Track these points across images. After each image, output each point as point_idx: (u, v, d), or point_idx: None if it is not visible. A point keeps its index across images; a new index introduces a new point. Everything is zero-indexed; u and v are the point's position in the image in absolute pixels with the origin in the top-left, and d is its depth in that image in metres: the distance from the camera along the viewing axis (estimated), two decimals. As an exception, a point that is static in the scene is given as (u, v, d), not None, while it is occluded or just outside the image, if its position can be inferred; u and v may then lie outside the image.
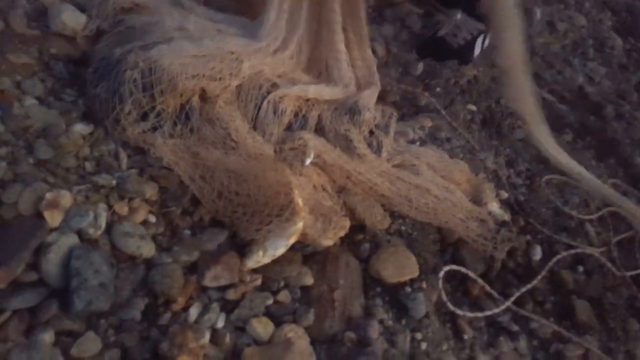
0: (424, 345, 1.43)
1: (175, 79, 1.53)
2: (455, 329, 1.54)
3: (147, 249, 1.37)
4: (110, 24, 1.83)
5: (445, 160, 2.09)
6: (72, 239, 1.26)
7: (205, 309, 1.33)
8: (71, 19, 1.79)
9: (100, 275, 1.20)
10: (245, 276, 1.45)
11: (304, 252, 1.57)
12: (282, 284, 1.48)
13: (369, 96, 1.96)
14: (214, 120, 1.64)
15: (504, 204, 1.96)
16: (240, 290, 1.41)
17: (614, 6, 4.10)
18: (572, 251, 1.83)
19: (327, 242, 1.57)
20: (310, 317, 1.39)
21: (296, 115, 1.84)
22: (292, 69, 1.86)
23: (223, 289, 1.38)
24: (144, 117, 1.57)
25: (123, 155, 1.53)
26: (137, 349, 1.18)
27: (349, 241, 1.63)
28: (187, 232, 1.50)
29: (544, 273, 1.73)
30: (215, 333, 1.28)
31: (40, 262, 1.19)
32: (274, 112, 1.74)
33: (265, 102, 1.73)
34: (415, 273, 1.61)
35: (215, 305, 1.34)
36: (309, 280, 1.51)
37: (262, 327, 1.32)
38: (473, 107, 2.71)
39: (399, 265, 1.64)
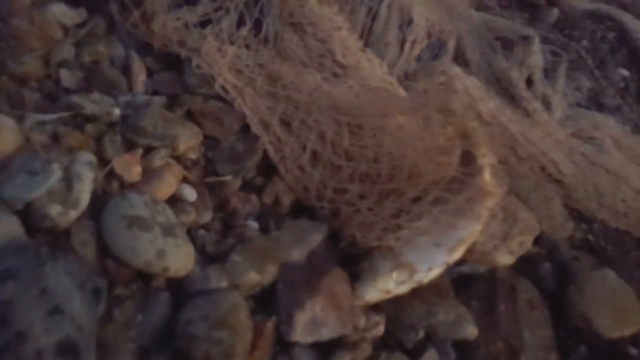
0: None
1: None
2: None
3: (179, 258, 0.79)
4: None
5: (629, 137, 1.56)
6: (5, 226, 0.70)
7: None
8: None
9: (63, 320, 0.65)
10: (358, 318, 0.90)
11: (452, 276, 1.04)
12: (421, 334, 0.95)
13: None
14: (304, 26, 1.09)
15: None
16: (360, 352, 0.84)
17: None
18: None
19: (506, 258, 1.02)
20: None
21: (428, 37, 1.32)
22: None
23: (327, 347, 0.85)
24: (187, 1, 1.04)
25: (139, 66, 0.97)
26: None
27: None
28: (253, 223, 0.94)
29: None
30: None
31: None
32: (399, 26, 1.24)
33: (384, 7, 1.23)
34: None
35: None
36: (470, 330, 0.98)
37: None
38: (625, 72, 2.10)
39: (618, 308, 1.11)
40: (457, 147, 0.89)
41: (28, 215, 0.72)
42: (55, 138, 0.80)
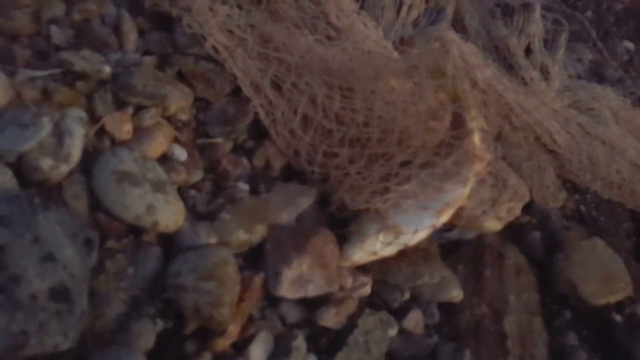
0: None
1: None
2: None
3: (168, 214, 0.80)
4: None
5: (629, 109, 1.55)
6: None
7: (280, 349, 0.77)
8: None
9: (56, 267, 0.67)
10: (345, 278, 0.91)
11: (440, 241, 1.05)
12: (407, 295, 0.96)
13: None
14: (298, -14, 1.12)
15: None
16: (345, 307, 0.85)
17: None
18: None
19: (494, 224, 1.02)
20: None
21: (426, 2, 1.30)
22: None
23: (313, 304, 0.86)
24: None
25: (130, 26, 0.95)
26: None
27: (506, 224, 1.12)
28: (244, 185, 0.93)
29: None
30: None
31: None
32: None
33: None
34: (628, 289, 1.11)
35: (299, 342, 0.77)
36: (455, 293, 0.99)
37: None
38: (630, 45, 2.05)
39: (605, 276, 1.11)
40: (448, 112, 0.88)
41: (21, 168, 0.72)
42: (45, 94, 0.80)
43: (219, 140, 0.94)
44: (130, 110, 0.81)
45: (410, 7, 1.22)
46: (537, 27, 1.42)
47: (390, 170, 0.89)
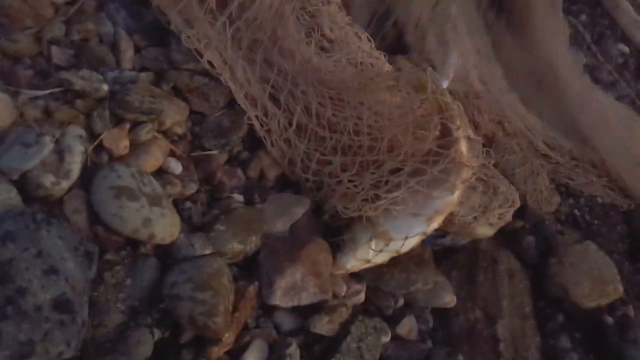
0: None
1: None
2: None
3: (164, 226, 0.82)
4: None
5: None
6: (3, 194, 0.74)
7: (274, 356, 0.79)
8: None
9: (58, 279, 0.70)
10: (339, 286, 0.93)
11: (434, 247, 1.07)
12: (400, 301, 0.98)
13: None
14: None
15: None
16: (338, 315, 0.86)
17: None
18: None
19: (486, 230, 1.04)
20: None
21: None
22: None
23: (307, 311, 0.88)
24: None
25: (126, 43, 0.96)
26: None
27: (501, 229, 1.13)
28: (239, 196, 0.95)
29: None
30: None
31: None
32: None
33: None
34: (619, 291, 1.13)
35: (293, 349, 0.80)
36: (448, 298, 1.00)
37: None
38: (625, 48, 2.06)
39: (597, 279, 1.12)
40: (435, 121, 0.90)
41: (24, 184, 0.75)
42: (47, 113, 0.81)
43: (214, 152, 0.95)
44: (127, 126, 0.83)
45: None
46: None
47: (380, 177, 0.91)
